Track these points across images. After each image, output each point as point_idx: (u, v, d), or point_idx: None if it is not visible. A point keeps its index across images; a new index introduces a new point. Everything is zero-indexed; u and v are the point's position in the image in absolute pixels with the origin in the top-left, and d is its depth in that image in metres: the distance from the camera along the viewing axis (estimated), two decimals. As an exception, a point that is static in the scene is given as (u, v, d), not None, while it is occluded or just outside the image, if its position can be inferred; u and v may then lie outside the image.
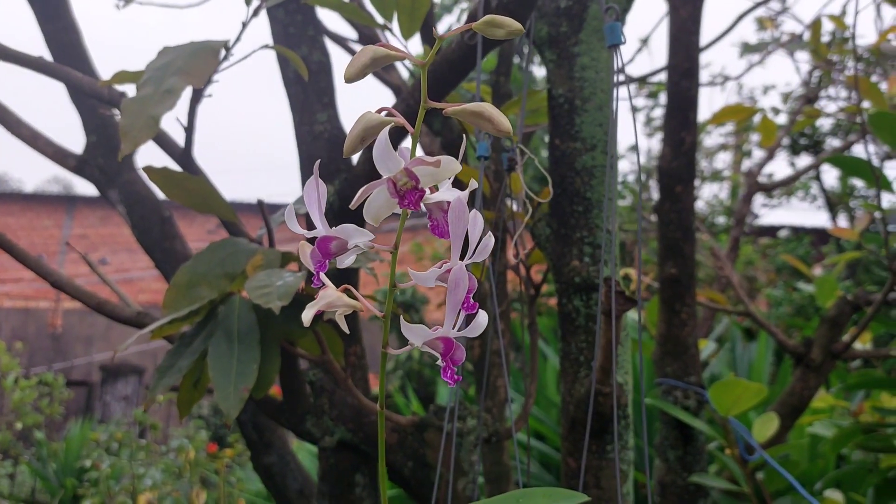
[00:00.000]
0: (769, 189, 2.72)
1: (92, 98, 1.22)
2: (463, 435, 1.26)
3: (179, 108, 1.40)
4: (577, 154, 1.14)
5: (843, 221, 6.25)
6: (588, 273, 1.13)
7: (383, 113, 0.52)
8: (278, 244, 1.20)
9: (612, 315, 0.92)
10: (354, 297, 0.60)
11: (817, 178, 6.01)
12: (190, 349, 1.04)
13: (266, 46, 1.11)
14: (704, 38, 1.71)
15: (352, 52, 1.86)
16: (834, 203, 6.19)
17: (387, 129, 0.47)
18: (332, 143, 1.39)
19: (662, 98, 5.46)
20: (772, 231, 6.54)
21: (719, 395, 1.45)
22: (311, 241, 0.55)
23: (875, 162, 1.66)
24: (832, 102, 3.35)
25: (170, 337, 1.21)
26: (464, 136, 0.95)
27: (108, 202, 1.75)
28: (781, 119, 3.07)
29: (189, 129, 1.13)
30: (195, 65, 0.99)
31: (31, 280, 10.52)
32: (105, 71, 1.79)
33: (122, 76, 1.06)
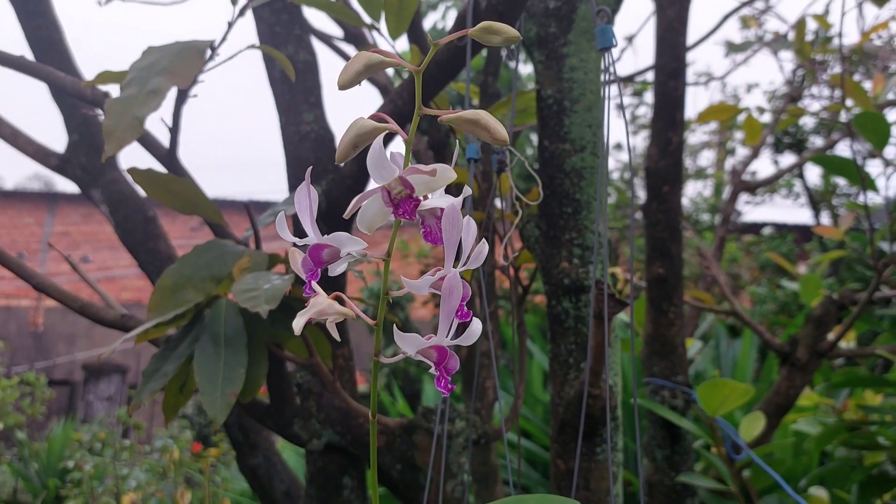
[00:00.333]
0: (753, 188, 2.73)
1: (75, 98, 1.20)
2: (451, 437, 1.25)
3: (164, 109, 1.39)
4: (567, 155, 1.13)
5: (825, 219, 6.31)
6: (577, 275, 1.13)
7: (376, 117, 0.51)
8: (265, 242, 1.19)
9: (603, 318, 0.92)
10: (345, 304, 0.59)
11: (800, 176, 6.06)
12: (175, 353, 1.03)
13: (252, 46, 1.10)
14: (690, 38, 1.71)
15: (338, 50, 1.85)
16: (817, 201, 6.25)
17: (381, 137, 0.46)
18: (319, 143, 1.38)
19: (647, 97, 5.48)
20: (756, 228, 6.59)
21: (707, 395, 1.46)
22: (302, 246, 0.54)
23: (859, 160, 1.67)
24: (815, 101, 3.37)
25: (155, 340, 1.19)
26: (452, 137, 0.94)
27: (91, 201, 1.73)
28: (766, 118, 3.09)
29: (174, 130, 1.11)
30: (180, 65, 0.97)
31: (12, 278, 10.40)
32: (88, 70, 1.76)
33: (106, 76, 1.04)
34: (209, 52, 1.03)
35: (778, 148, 5.96)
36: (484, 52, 1.61)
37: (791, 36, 2.70)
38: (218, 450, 3.95)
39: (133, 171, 1.04)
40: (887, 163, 1.96)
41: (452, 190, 1.46)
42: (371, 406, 0.58)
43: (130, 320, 1.23)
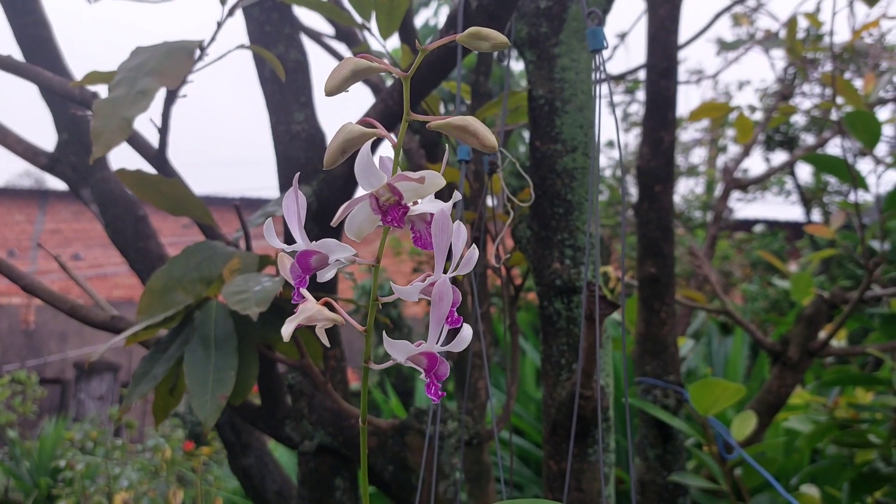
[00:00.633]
0: (745, 185, 2.74)
1: (63, 98, 1.19)
2: (444, 438, 1.25)
3: (153, 108, 1.38)
4: (558, 156, 1.13)
5: (816, 216, 6.33)
6: (569, 275, 1.13)
7: (367, 117, 0.50)
8: (255, 242, 1.18)
9: (595, 319, 0.91)
10: (334, 310, 0.59)
11: (792, 173, 6.08)
12: (165, 356, 1.02)
13: (242, 46, 1.09)
14: (681, 36, 1.71)
15: (330, 49, 1.84)
16: (808, 198, 6.27)
17: (369, 143, 0.45)
18: (310, 143, 1.37)
19: (640, 94, 5.48)
20: (747, 225, 6.61)
21: (699, 394, 1.46)
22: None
23: (850, 159, 1.67)
24: (807, 99, 3.38)
25: (146, 342, 1.19)
26: (444, 136, 0.94)
27: (81, 200, 1.72)
28: (757, 116, 3.10)
29: (163, 131, 1.10)
30: (169, 65, 0.97)
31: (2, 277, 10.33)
32: (78, 69, 1.75)
33: (94, 77, 1.03)
34: (198, 52, 1.02)
35: (769, 146, 5.97)
36: (476, 52, 1.61)
37: (782, 34, 2.71)
38: (210, 448, 3.94)
39: (121, 173, 1.04)
40: (878, 161, 1.97)
41: (445, 190, 1.46)
42: (361, 412, 0.58)
43: (120, 321, 1.22)
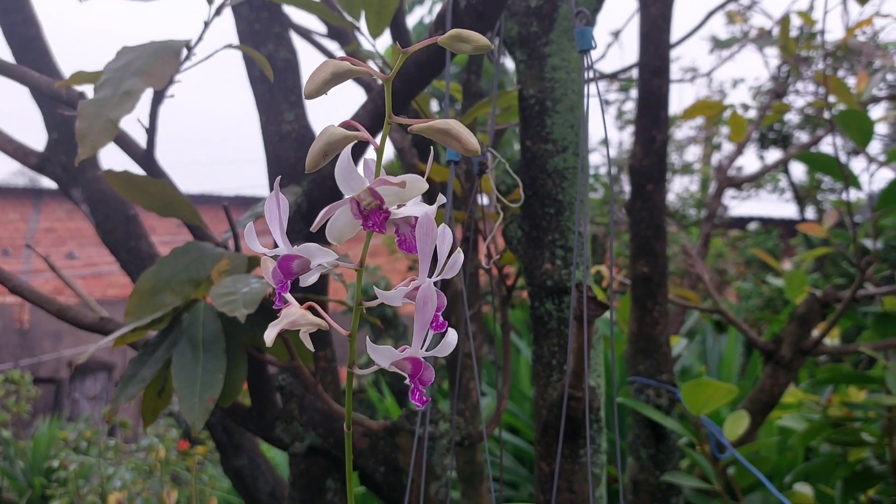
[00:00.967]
0: (739, 184, 2.73)
1: (50, 99, 1.18)
2: (435, 439, 1.25)
3: (141, 108, 1.37)
4: (549, 156, 1.12)
5: (810, 213, 6.34)
6: (560, 276, 1.12)
7: (355, 119, 0.50)
8: (244, 240, 1.17)
9: (583, 320, 0.91)
10: (319, 314, 0.58)
11: (786, 171, 6.08)
12: (153, 358, 1.01)
13: (230, 46, 1.08)
14: (674, 34, 1.70)
15: (320, 47, 1.83)
16: (802, 196, 6.28)
17: (349, 147, 0.45)
18: (300, 142, 1.37)
19: (634, 92, 5.48)
20: (742, 223, 6.62)
21: (691, 394, 1.45)
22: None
23: (842, 157, 1.67)
24: (800, 97, 3.38)
25: (135, 343, 1.18)
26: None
27: (71, 200, 1.71)
28: (751, 114, 3.10)
29: (150, 131, 1.09)
30: (155, 65, 0.96)
31: (-4, 275, 10.29)
32: (68, 69, 1.74)
33: (80, 77, 1.02)
34: (185, 51, 1.01)
35: (763, 144, 5.98)
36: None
37: (776, 32, 2.70)
38: (205, 447, 3.93)
39: (108, 174, 1.03)
40: (871, 159, 1.96)
41: (437, 189, 1.45)
42: (346, 418, 0.57)
43: (109, 323, 1.21)
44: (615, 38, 3.39)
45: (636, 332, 1.64)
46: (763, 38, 2.81)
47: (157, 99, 1.06)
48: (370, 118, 1.12)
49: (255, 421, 1.28)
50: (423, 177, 0.54)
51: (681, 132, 5.92)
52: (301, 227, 1.26)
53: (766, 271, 4.23)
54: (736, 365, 2.93)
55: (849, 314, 1.86)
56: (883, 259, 2.85)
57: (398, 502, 1.28)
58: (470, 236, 1.24)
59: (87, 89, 1.16)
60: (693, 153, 6.41)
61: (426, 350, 0.54)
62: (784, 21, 2.36)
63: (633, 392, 1.66)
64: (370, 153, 0.52)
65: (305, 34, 1.77)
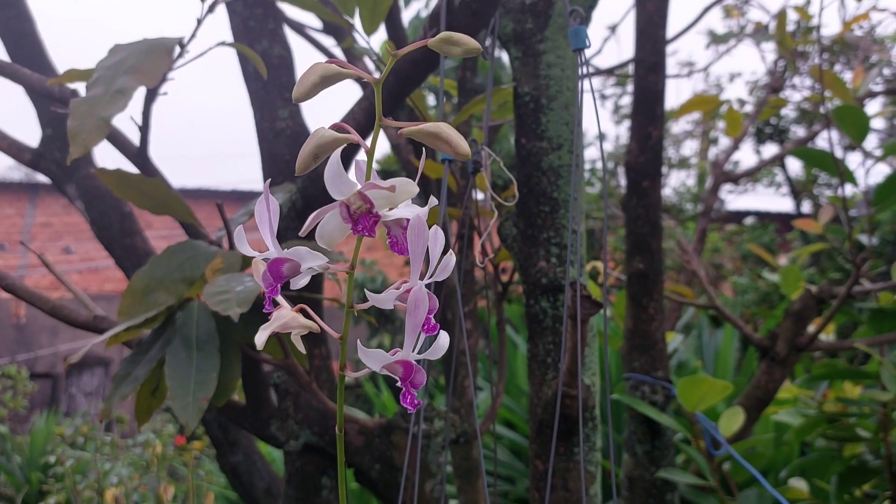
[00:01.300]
0: (735, 179, 2.73)
1: (45, 98, 1.17)
2: (430, 437, 1.25)
3: (134, 106, 1.36)
4: (544, 153, 1.12)
5: (807, 207, 6.35)
6: (555, 274, 1.12)
7: (347, 121, 0.49)
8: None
9: (577, 319, 0.91)
10: (310, 317, 0.58)
11: (782, 165, 6.08)
12: (147, 357, 1.01)
13: (223, 44, 1.07)
14: (670, 29, 1.70)
15: (314, 42, 1.82)
16: (798, 191, 6.28)
17: (339, 151, 0.44)
18: (295, 140, 1.36)
19: (630, 86, 5.48)
20: (738, 217, 6.62)
21: (686, 391, 1.46)
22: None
23: (838, 152, 1.67)
24: (797, 92, 3.38)
25: (129, 341, 1.18)
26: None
27: (66, 196, 1.70)
28: (747, 108, 3.09)
29: (144, 129, 1.09)
30: (148, 63, 0.95)
31: (-8, 270, 10.26)
32: (62, 65, 1.73)
33: (73, 74, 1.02)
34: (178, 49, 1.00)
35: (760, 138, 5.98)
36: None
37: (772, 27, 2.70)
38: (202, 443, 3.93)
39: (101, 172, 1.02)
40: (867, 154, 1.96)
41: (432, 186, 1.45)
42: (338, 421, 0.57)
43: (103, 321, 1.21)
44: (612, 33, 3.38)
45: (632, 328, 1.64)
46: (760, 34, 2.80)
47: (150, 97, 1.06)
48: (365, 115, 1.12)
49: (250, 419, 1.28)
50: (418, 173, 0.54)
51: (677, 126, 5.91)
52: (296, 225, 1.26)
53: (762, 266, 4.24)
54: (732, 360, 2.93)
55: (844, 310, 1.86)
56: (878, 254, 2.85)
57: (393, 500, 1.28)
58: (465, 233, 1.23)
59: (80, 86, 1.16)
60: (690, 147, 6.41)
61: (418, 353, 0.54)
62: (781, 16, 2.36)
63: (628, 388, 1.66)
64: (362, 152, 0.52)
65: (300, 29, 1.76)
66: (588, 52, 0.92)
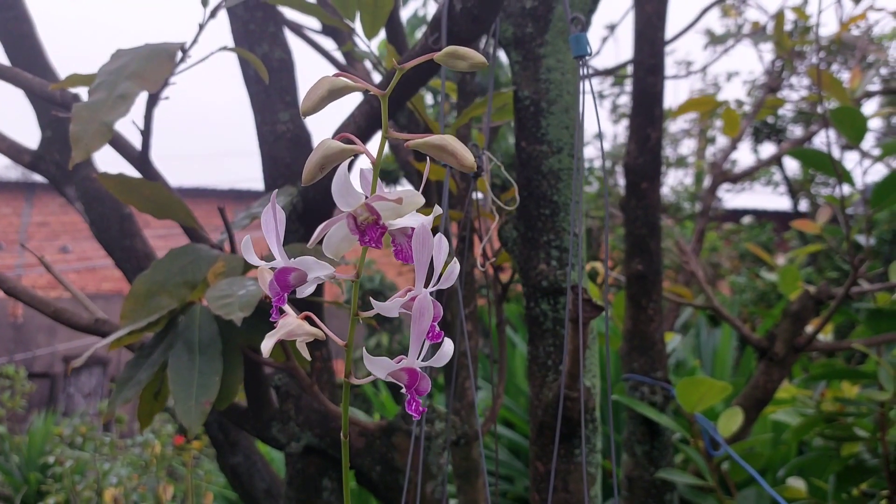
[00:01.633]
0: (733, 178, 2.74)
1: (46, 102, 1.17)
2: (431, 438, 1.25)
3: (136, 110, 1.36)
4: (544, 157, 1.13)
5: (804, 206, 6.36)
6: (555, 277, 1.12)
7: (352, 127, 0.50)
8: (239, 236, 1.17)
9: (579, 322, 0.91)
10: (315, 324, 0.59)
11: (779, 164, 6.10)
12: (149, 361, 1.01)
13: (224, 48, 1.08)
14: (669, 28, 1.70)
15: (314, 43, 1.82)
16: (796, 189, 6.30)
17: (346, 163, 0.45)
18: (295, 143, 1.36)
19: (628, 85, 5.48)
20: (735, 216, 6.64)
21: (686, 391, 1.46)
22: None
23: (836, 152, 1.67)
24: (794, 91, 3.39)
25: (131, 345, 1.18)
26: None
27: (65, 198, 1.70)
28: (745, 109, 3.10)
29: (145, 134, 1.09)
30: (150, 69, 0.95)
31: (-10, 269, 10.25)
32: (60, 66, 1.73)
33: (75, 79, 1.02)
34: (180, 54, 1.01)
35: (758, 137, 5.99)
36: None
37: (770, 28, 2.71)
38: (200, 443, 3.93)
39: (103, 177, 1.02)
40: (864, 154, 1.97)
41: (433, 189, 1.45)
42: (343, 427, 0.57)
43: (105, 325, 1.21)
44: (610, 33, 3.39)
45: (631, 329, 1.65)
46: (758, 34, 2.81)
47: (152, 101, 1.06)
48: (366, 119, 1.12)
49: (251, 421, 1.28)
50: (423, 182, 0.55)
51: (675, 125, 5.92)
52: (297, 228, 1.26)
53: (759, 265, 4.25)
54: (730, 359, 2.94)
55: (841, 310, 1.87)
56: (875, 253, 2.86)
57: (394, 501, 1.29)
58: (466, 236, 1.24)
59: (81, 91, 1.16)
60: (687, 147, 6.43)
61: (422, 360, 0.54)
62: (778, 17, 2.37)
63: (627, 389, 1.67)
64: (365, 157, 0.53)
65: (299, 31, 1.76)
66: (586, 61, 0.93)
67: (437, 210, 0.55)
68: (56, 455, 4.11)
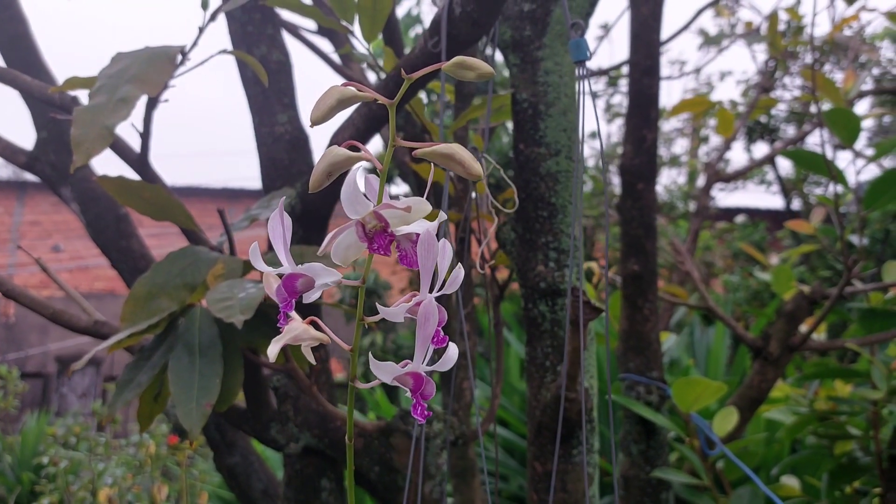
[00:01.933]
0: (727, 178, 2.76)
1: (42, 103, 1.17)
2: (429, 439, 1.26)
3: (135, 112, 1.36)
4: (542, 159, 1.13)
5: (797, 205, 6.39)
6: (553, 278, 1.13)
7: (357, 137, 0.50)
8: (240, 234, 1.17)
9: (579, 324, 0.92)
10: (321, 329, 0.59)
11: (772, 164, 6.13)
12: (150, 363, 1.02)
13: (224, 51, 1.08)
14: (663, 29, 1.71)
15: (310, 45, 1.83)
16: (788, 189, 6.33)
17: (355, 170, 0.45)
18: (293, 144, 1.37)
19: (622, 85, 5.50)
20: (728, 215, 6.66)
21: (681, 392, 1.47)
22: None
23: (828, 151, 1.68)
24: (787, 91, 3.41)
25: (131, 347, 1.18)
26: (427, 136, 0.94)
27: (61, 199, 1.70)
28: (740, 110, 3.12)
29: (144, 136, 1.09)
30: (150, 72, 0.96)
31: (-19, 269, 10.23)
32: (56, 66, 1.72)
33: (74, 82, 1.02)
34: (179, 57, 1.01)
35: (751, 137, 6.02)
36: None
37: (764, 28, 2.72)
38: (195, 442, 3.92)
39: (103, 179, 1.03)
40: (857, 154, 1.99)
41: (431, 189, 1.46)
42: (348, 431, 0.58)
43: (104, 326, 1.21)
44: (605, 33, 3.40)
45: (627, 329, 1.66)
46: (752, 35, 2.82)
47: (152, 104, 1.06)
48: (364, 122, 1.13)
49: (249, 422, 1.29)
50: (427, 187, 0.55)
51: (668, 125, 5.94)
52: (295, 229, 1.26)
53: (753, 264, 4.27)
54: (723, 357, 2.96)
55: (835, 309, 1.88)
56: (868, 252, 2.88)
57: (392, 501, 1.29)
58: (464, 237, 1.25)
59: (80, 93, 1.16)
60: (681, 146, 6.45)
61: (427, 365, 0.55)
62: (772, 18, 2.38)
63: (623, 389, 1.68)
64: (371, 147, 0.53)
65: (294, 31, 1.77)
66: (587, 80, 0.94)
67: (442, 216, 0.56)
68: (50, 455, 4.10)
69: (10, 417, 7.38)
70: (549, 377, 1.13)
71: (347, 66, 1.74)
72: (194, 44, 1.01)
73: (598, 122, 0.84)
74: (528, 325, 1.17)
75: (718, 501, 1.58)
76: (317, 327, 0.59)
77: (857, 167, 1.87)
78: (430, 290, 0.54)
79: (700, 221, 2.37)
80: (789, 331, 1.69)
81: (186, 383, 0.97)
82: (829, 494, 1.78)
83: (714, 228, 5.10)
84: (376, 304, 0.56)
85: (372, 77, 2.32)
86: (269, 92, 1.36)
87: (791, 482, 1.83)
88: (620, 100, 5.92)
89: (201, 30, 1.02)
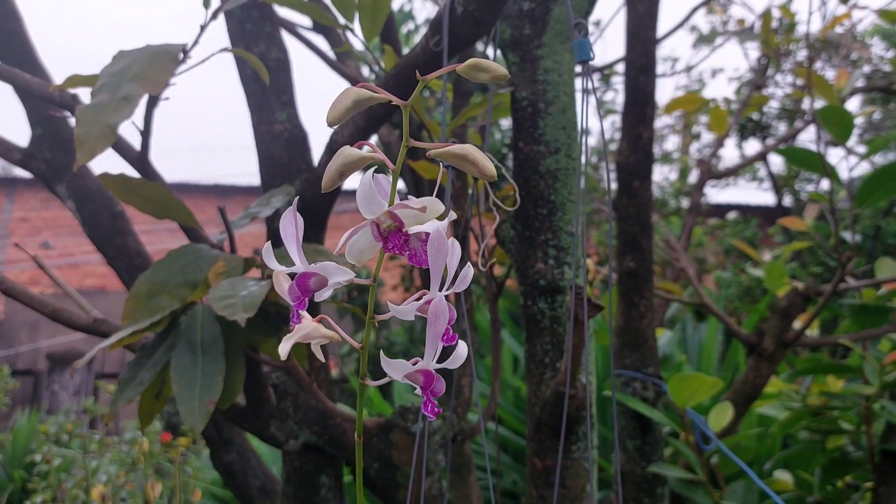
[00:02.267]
0: (720, 176, 2.77)
1: (42, 101, 1.17)
2: (429, 435, 1.26)
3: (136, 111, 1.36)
4: (541, 157, 1.14)
5: (788, 201, 6.43)
6: (552, 275, 1.14)
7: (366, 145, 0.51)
8: (238, 236, 1.17)
9: (581, 321, 0.93)
10: (331, 327, 0.60)
11: (764, 161, 6.16)
12: (151, 361, 1.02)
13: (224, 50, 1.08)
14: (659, 28, 1.72)
15: (307, 42, 1.83)
16: (780, 185, 6.37)
17: (372, 171, 0.46)
18: (292, 142, 1.37)
19: (615, 82, 5.51)
20: (720, 211, 6.70)
21: (677, 387, 1.48)
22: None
23: (821, 149, 1.69)
24: (779, 88, 3.42)
25: (132, 345, 1.18)
26: (426, 134, 0.94)
27: (56, 196, 1.69)
28: (733, 107, 3.13)
29: (145, 134, 1.09)
30: (152, 71, 0.96)
31: (-30, 266, 10.16)
32: (51, 63, 1.72)
33: (75, 80, 1.02)
34: (181, 55, 1.01)
35: (743, 134, 6.05)
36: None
37: (757, 26, 2.74)
38: (187, 439, 3.92)
39: (104, 177, 1.03)
40: (849, 151, 2.00)
41: (425, 187, 1.46)
42: (357, 427, 0.59)
43: (103, 325, 1.22)
44: (597, 29, 3.41)
45: (623, 326, 1.67)
46: (744, 34, 2.84)
47: (152, 103, 1.06)
48: (365, 119, 1.13)
49: (249, 419, 1.29)
50: (436, 187, 0.56)
51: (660, 122, 5.96)
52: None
53: (744, 260, 4.30)
54: (716, 353, 2.98)
55: (829, 305, 1.90)
56: (860, 248, 2.90)
57: (391, 497, 1.30)
58: (464, 235, 1.25)
59: (80, 91, 1.16)
60: (672, 142, 6.48)
61: (437, 362, 0.56)
62: (765, 16, 2.39)
63: (619, 385, 1.69)
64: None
65: (292, 29, 1.77)
66: (590, 79, 0.94)
67: (452, 215, 0.56)
68: (43, 453, 4.08)
69: (1, 415, 7.35)
70: (549, 374, 1.14)
71: (342, 62, 1.74)
72: (195, 42, 1.02)
73: (601, 121, 0.84)
74: (528, 323, 1.18)
75: (713, 496, 1.59)
76: (326, 325, 0.59)
77: (851, 164, 1.89)
78: (440, 290, 0.55)
79: (694, 218, 2.38)
80: (783, 327, 1.70)
81: (189, 381, 0.97)
82: (822, 489, 1.80)
83: (706, 225, 5.13)
84: (387, 302, 0.57)
85: (366, 73, 2.32)
86: (267, 90, 1.37)
87: (784, 477, 1.85)
88: (613, 96, 5.94)
89: (203, 28, 1.02)
